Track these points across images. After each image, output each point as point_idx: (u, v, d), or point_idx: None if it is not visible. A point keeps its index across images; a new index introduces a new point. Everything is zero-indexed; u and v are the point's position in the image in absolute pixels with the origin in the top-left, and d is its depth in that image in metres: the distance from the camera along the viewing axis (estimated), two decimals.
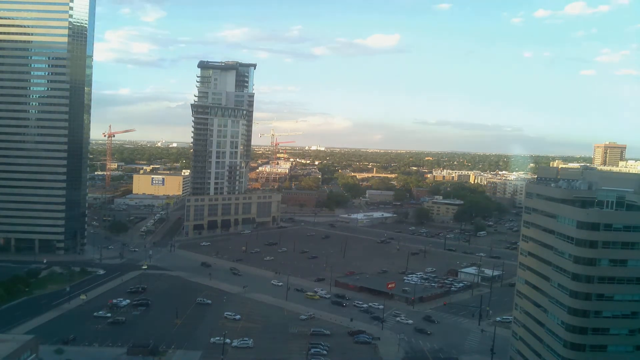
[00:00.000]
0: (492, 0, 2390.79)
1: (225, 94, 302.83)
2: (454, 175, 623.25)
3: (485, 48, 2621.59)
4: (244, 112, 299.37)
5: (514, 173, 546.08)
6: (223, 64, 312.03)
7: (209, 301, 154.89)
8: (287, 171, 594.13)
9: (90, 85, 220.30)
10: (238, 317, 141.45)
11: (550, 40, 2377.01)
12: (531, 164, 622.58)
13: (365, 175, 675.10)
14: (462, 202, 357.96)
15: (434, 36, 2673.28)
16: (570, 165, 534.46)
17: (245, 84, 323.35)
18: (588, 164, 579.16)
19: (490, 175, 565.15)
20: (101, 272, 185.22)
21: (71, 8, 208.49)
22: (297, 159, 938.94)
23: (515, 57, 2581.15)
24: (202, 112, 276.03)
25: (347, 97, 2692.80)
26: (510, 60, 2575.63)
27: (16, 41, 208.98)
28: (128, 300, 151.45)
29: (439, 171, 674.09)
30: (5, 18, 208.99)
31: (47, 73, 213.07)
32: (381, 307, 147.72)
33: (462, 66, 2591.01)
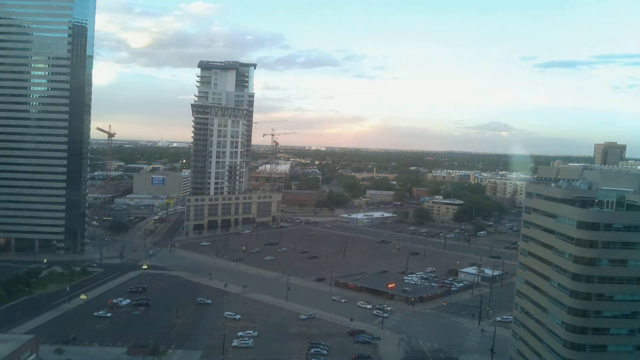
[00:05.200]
0: (490, 2, 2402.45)
1: (225, 93, 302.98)
2: (454, 175, 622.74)
3: (485, 49, 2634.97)
4: (244, 112, 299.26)
5: (514, 173, 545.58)
6: (223, 64, 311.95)
7: (209, 301, 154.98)
8: (287, 171, 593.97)
9: (90, 85, 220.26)
10: (238, 317, 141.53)
11: (550, 42, 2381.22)
12: (531, 164, 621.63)
13: (365, 175, 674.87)
14: (462, 202, 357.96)
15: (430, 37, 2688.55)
16: (570, 165, 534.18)
17: (245, 84, 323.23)
18: (588, 164, 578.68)
19: (490, 175, 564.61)
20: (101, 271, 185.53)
21: (71, 8, 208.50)
22: (297, 159, 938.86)
23: (515, 57, 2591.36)
24: (202, 112, 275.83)
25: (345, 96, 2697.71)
26: (511, 60, 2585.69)
27: (16, 41, 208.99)
28: (128, 300, 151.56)
29: (439, 171, 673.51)
30: (5, 18, 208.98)
31: (47, 73, 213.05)
32: None
33: (462, 66, 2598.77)
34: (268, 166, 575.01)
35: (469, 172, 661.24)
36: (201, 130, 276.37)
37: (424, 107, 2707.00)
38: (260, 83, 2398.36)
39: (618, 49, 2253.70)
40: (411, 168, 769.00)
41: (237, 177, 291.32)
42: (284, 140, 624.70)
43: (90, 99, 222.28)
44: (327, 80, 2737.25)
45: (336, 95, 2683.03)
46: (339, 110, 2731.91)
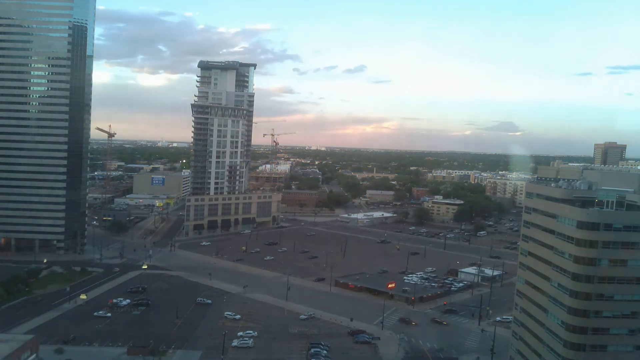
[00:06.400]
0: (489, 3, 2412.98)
1: (225, 93, 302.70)
2: (454, 175, 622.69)
3: (484, 46, 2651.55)
4: (244, 112, 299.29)
5: (514, 173, 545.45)
6: (223, 64, 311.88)
7: (209, 301, 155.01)
8: (287, 171, 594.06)
9: (90, 85, 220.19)
10: (238, 317, 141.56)
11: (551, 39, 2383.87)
12: (531, 164, 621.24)
13: (365, 175, 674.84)
14: (462, 202, 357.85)
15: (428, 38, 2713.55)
16: (570, 165, 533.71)
17: (245, 84, 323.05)
18: (588, 164, 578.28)
19: (490, 175, 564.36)
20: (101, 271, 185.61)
21: (71, 8, 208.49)
22: (297, 159, 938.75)
23: (516, 55, 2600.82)
24: (202, 112, 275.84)
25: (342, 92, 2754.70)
26: (512, 59, 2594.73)
27: (16, 41, 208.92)
28: (128, 300, 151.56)
29: (439, 171, 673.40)
30: (5, 18, 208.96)
31: (47, 73, 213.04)
32: None
33: (463, 65, 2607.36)
34: (268, 166, 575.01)
35: (469, 172, 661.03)
36: (201, 130, 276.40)
37: (436, 110, 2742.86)
38: (287, 88, 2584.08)
39: (630, 60, 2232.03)
40: (411, 168, 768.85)
41: (237, 177, 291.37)
42: (284, 140, 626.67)
43: (90, 99, 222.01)
44: (352, 87, 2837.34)
45: (359, 100, 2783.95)
46: (360, 113, 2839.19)
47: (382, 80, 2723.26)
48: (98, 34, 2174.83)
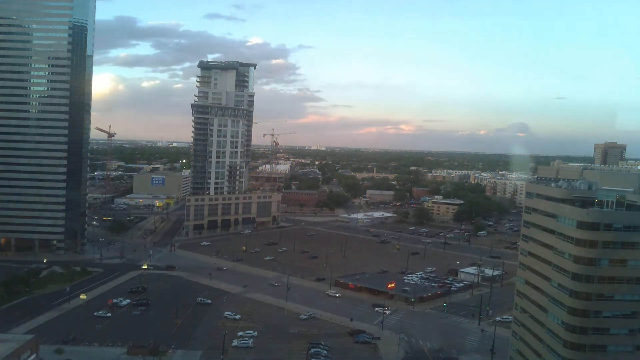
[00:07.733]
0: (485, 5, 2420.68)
1: (225, 93, 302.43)
2: (454, 175, 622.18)
3: (485, 43, 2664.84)
4: (244, 112, 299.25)
5: (514, 173, 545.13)
6: (223, 64, 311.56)
7: (209, 301, 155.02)
8: (287, 171, 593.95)
9: (90, 85, 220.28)
10: (238, 317, 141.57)
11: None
12: (531, 164, 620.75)
13: (365, 175, 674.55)
14: (462, 202, 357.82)
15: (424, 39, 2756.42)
16: (570, 165, 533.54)
17: (245, 84, 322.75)
18: (588, 164, 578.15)
19: (490, 175, 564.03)
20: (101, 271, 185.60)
21: (71, 8, 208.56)
22: (297, 159, 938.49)
23: (515, 53, 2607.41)
24: (202, 112, 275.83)
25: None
26: (511, 57, 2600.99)
27: (16, 41, 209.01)
28: (128, 300, 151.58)
29: (439, 171, 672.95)
30: (5, 18, 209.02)
31: (47, 73, 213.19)
32: None
33: (464, 63, 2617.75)
34: (268, 166, 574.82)
35: (469, 172, 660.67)
36: (201, 130, 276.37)
37: (445, 113, 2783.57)
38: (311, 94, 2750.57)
39: None
40: (411, 168, 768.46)
41: (237, 177, 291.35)
42: (284, 141, 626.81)
43: (90, 99, 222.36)
44: (376, 94, 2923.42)
45: (381, 105, 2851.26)
46: (380, 116, 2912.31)
47: (401, 88, 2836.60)
48: (149, 44, 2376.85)
